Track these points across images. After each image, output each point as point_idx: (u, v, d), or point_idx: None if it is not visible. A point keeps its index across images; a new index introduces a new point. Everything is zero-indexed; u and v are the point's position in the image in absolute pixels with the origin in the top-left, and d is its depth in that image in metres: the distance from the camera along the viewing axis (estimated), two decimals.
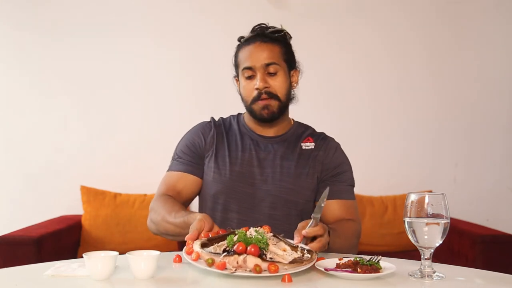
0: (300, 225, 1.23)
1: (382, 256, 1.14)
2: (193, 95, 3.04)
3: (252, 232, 1.15)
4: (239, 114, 1.68)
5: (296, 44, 3.33)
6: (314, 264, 1.09)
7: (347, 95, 3.08)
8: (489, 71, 3.09)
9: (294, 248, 1.15)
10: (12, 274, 1.12)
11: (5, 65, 3.01)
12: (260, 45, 1.54)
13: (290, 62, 1.59)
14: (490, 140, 3.06)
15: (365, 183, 2.96)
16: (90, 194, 2.75)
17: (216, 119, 1.67)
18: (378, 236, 2.75)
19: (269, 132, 1.59)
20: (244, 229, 1.17)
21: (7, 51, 3.01)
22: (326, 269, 1.04)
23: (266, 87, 1.51)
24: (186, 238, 1.16)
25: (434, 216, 1.03)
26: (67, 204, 2.93)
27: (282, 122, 1.60)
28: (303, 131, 1.63)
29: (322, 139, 1.62)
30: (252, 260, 1.03)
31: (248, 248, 1.05)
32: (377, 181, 3.00)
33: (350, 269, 1.04)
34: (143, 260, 1.02)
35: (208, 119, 1.67)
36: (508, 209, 3.04)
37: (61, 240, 2.50)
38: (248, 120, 1.62)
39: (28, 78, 3.01)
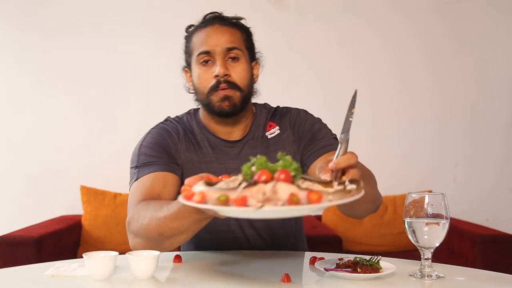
0: (322, 161, 0.94)
1: (382, 256, 1.14)
2: (193, 95, 3.04)
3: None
4: (195, 112, 1.44)
5: (296, 44, 3.33)
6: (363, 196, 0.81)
7: (347, 95, 3.06)
8: (488, 71, 3.09)
9: (327, 184, 0.82)
10: (12, 274, 1.12)
11: (5, 65, 3.01)
12: (220, 28, 1.34)
13: (251, 52, 1.40)
14: (490, 140, 3.07)
15: None
16: (90, 194, 2.75)
17: (172, 119, 1.43)
18: (378, 236, 2.75)
19: (234, 134, 1.38)
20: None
21: (7, 51, 3.01)
22: (326, 269, 1.04)
23: (227, 75, 1.30)
24: (185, 182, 0.91)
25: (434, 216, 1.03)
26: (67, 204, 2.93)
27: (246, 119, 1.39)
28: (266, 117, 1.43)
29: (283, 115, 1.43)
30: (285, 188, 0.75)
31: (276, 174, 0.77)
32: (377, 181, 3.00)
33: (350, 269, 1.04)
34: (143, 260, 1.02)
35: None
36: (508, 209, 3.04)
37: (61, 240, 2.50)
38: (207, 120, 1.39)
39: (28, 78, 3.01)
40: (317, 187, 0.81)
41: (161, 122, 1.41)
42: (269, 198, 0.74)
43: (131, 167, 1.32)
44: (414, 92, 3.09)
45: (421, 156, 3.08)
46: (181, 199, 0.84)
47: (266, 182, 0.76)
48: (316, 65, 3.07)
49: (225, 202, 0.75)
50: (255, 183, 0.76)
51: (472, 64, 3.09)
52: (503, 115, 3.08)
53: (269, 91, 3.19)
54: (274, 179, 0.77)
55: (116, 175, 2.94)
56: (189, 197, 0.81)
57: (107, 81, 3.02)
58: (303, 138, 1.38)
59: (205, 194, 0.78)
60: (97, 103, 3.02)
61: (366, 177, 1.12)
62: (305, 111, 1.46)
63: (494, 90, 3.09)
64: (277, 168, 0.79)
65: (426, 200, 1.04)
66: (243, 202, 0.74)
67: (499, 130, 3.07)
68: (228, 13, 1.47)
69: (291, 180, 0.77)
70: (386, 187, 2.96)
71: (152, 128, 1.40)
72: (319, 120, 1.43)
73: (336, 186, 0.81)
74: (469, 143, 3.07)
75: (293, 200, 0.73)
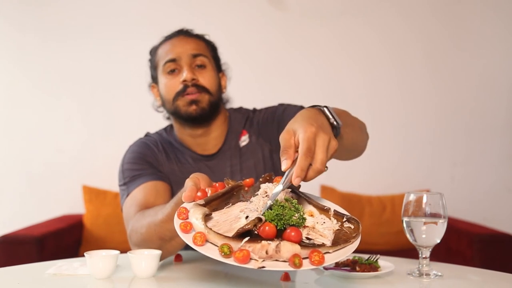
0: (282, 142, 0.84)
1: (381, 255, 1.15)
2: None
3: (275, 194, 0.81)
4: (171, 128, 1.44)
5: (296, 45, 3.34)
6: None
7: (347, 95, 3.09)
8: (487, 71, 3.09)
9: (323, 211, 0.88)
10: (14, 272, 1.13)
11: (7, 66, 3.02)
12: (184, 38, 1.35)
13: (217, 62, 1.40)
14: (488, 139, 3.07)
15: (364, 183, 2.98)
16: (91, 194, 2.76)
17: (151, 134, 1.43)
18: (376, 235, 2.76)
19: (209, 145, 1.37)
20: (248, 181, 0.92)
21: (10, 52, 3.02)
22: (325, 268, 1.05)
23: (194, 79, 1.29)
24: (183, 198, 0.89)
25: (432, 215, 1.04)
26: (69, 204, 2.94)
27: (218, 127, 1.37)
28: (240, 124, 1.41)
29: (251, 120, 1.39)
30: (289, 248, 0.75)
31: (287, 231, 0.76)
32: (375, 181, 3.01)
33: (348, 268, 1.05)
34: (144, 259, 1.02)
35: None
36: (506, 208, 3.05)
37: (63, 239, 2.51)
38: (181, 134, 1.38)
39: (30, 79, 3.02)
40: (313, 220, 0.82)
41: (140, 138, 1.43)
42: (271, 256, 0.75)
43: (120, 185, 1.33)
44: (413, 92, 3.10)
45: (419, 156, 3.08)
46: (181, 233, 0.81)
47: (268, 238, 0.75)
48: (317, 65, 3.07)
49: (228, 255, 0.74)
50: (259, 238, 0.76)
51: (471, 64, 3.09)
52: (502, 115, 3.08)
53: (270, 91, 3.22)
54: (282, 236, 0.76)
55: (117, 174, 2.95)
56: (186, 230, 0.81)
57: (110, 82, 3.03)
58: (272, 132, 1.35)
59: (206, 235, 0.78)
60: (99, 103, 3.03)
61: (348, 124, 1.06)
62: (268, 107, 1.42)
63: (493, 90, 3.09)
64: (280, 215, 0.77)
65: (424, 200, 1.04)
66: (244, 260, 0.73)
67: (497, 130, 3.08)
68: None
69: (301, 240, 0.77)
70: (384, 186, 2.98)
71: (131, 145, 1.41)
72: (280, 104, 1.40)
73: (330, 220, 0.83)
74: (467, 142, 3.08)
75: (295, 263, 0.73)
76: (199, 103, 1.29)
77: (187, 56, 1.31)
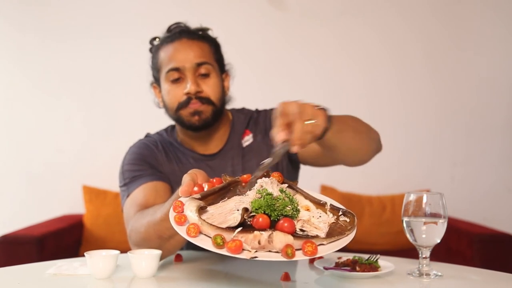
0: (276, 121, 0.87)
1: (381, 255, 1.15)
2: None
3: (271, 187, 0.83)
4: (172, 128, 1.44)
5: (297, 45, 3.34)
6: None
7: (347, 95, 3.09)
8: (487, 71, 3.09)
9: (320, 205, 0.88)
10: (14, 272, 1.13)
11: (8, 66, 3.02)
12: (188, 42, 1.31)
13: (220, 64, 1.38)
14: (488, 139, 3.07)
15: (364, 183, 2.98)
16: (92, 194, 2.76)
17: (151, 135, 1.43)
18: (376, 235, 2.76)
19: (211, 146, 1.37)
20: (245, 177, 0.92)
21: (10, 52, 3.02)
22: (325, 268, 1.05)
23: (198, 92, 1.28)
24: (180, 192, 0.90)
25: (432, 215, 1.04)
26: (69, 203, 2.94)
27: (221, 129, 1.38)
28: (243, 124, 1.41)
29: (256, 120, 1.39)
30: (281, 239, 0.75)
31: (280, 222, 0.77)
32: (375, 181, 3.01)
33: (349, 268, 1.05)
34: (144, 259, 1.02)
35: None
36: (506, 208, 3.05)
37: (63, 239, 2.51)
38: (182, 135, 1.39)
39: (30, 78, 3.02)
40: (308, 214, 0.82)
41: (140, 139, 1.43)
42: (264, 246, 0.75)
43: (120, 187, 1.34)
44: (413, 92, 3.10)
45: (419, 156, 3.08)
46: (175, 225, 0.82)
47: (261, 229, 0.76)
48: (317, 65, 3.07)
49: (221, 246, 0.74)
50: (252, 229, 0.76)
51: (471, 65, 3.09)
52: (502, 115, 3.08)
53: (270, 91, 3.22)
54: (275, 226, 0.76)
55: (117, 174, 2.95)
56: (181, 222, 0.82)
57: (110, 81, 3.03)
58: None
59: (199, 227, 0.78)
60: (100, 103, 3.03)
61: (343, 120, 1.07)
62: (268, 110, 1.42)
63: (493, 90, 3.09)
64: (273, 207, 0.78)
65: (424, 200, 1.04)
66: (237, 250, 0.74)
67: (497, 130, 3.08)
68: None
69: (294, 231, 0.77)
70: (384, 186, 2.98)
71: (131, 146, 1.41)
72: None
73: (326, 214, 0.83)
74: (467, 142, 3.08)
75: (287, 254, 0.73)
76: (202, 114, 1.30)
77: (191, 65, 1.29)
